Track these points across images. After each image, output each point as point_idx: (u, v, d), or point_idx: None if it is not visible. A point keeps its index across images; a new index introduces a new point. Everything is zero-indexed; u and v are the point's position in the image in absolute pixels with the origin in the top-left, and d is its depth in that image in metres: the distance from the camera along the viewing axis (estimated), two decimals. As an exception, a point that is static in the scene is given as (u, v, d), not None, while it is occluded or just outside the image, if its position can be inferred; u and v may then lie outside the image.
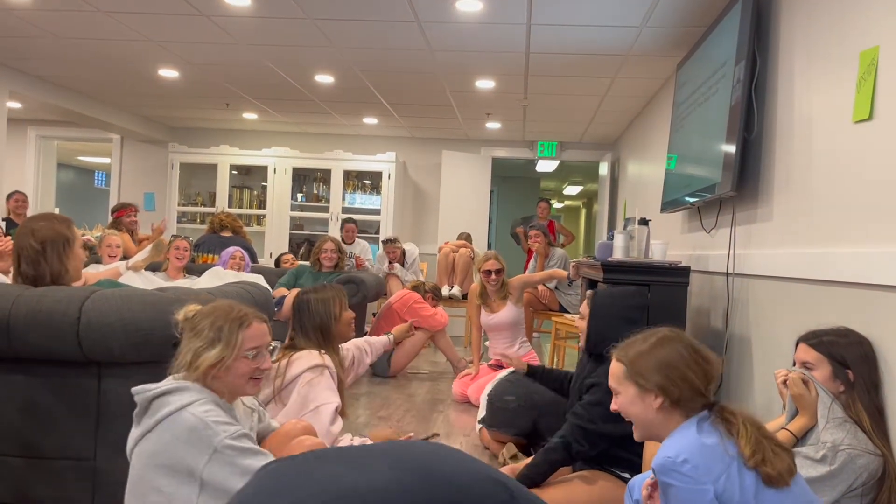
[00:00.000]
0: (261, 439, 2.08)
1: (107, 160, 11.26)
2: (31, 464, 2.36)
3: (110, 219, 6.38)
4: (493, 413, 3.46)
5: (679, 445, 1.58)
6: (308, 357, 2.57)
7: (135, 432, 1.80)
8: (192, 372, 1.83)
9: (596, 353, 2.71)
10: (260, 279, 4.30)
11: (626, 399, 1.72)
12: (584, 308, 2.86)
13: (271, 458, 1.79)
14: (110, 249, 4.70)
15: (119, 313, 2.21)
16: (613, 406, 1.76)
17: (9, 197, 6.53)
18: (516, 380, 3.44)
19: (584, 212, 16.89)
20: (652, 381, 1.66)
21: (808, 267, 2.54)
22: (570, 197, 16.04)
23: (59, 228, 2.45)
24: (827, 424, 1.92)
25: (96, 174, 14.69)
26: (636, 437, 1.75)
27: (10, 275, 2.64)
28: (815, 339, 2.08)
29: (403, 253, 7.25)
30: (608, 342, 2.61)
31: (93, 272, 3.51)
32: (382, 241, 7.24)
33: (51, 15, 4.60)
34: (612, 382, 1.75)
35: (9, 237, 3.12)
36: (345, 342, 2.84)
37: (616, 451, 2.53)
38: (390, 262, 7.15)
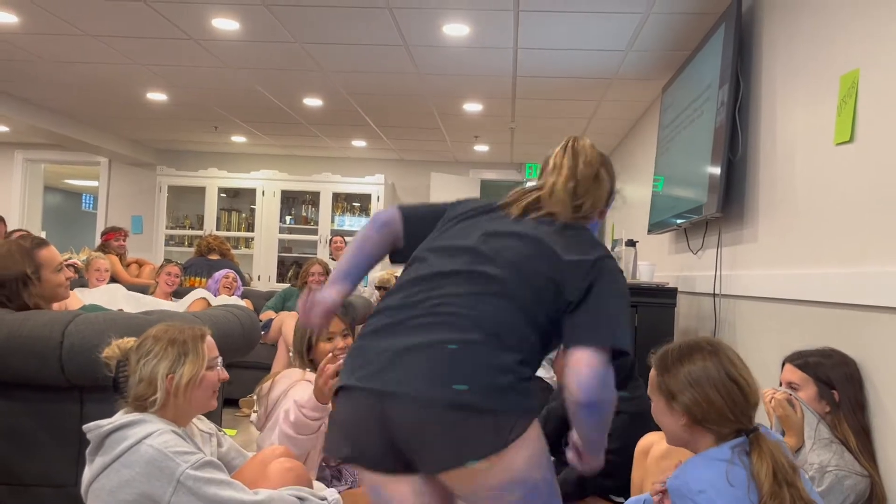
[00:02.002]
0: (230, 465, 2.03)
1: (94, 183, 11.23)
2: (11, 490, 2.32)
3: (98, 242, 6.35)
4: None
5: (702, 475, 1.51)
6: (293, 374, 2.55)
7: (89, 471, 1.73)
8: (152, 401, 1.77)
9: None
10: (235, 300, 4.28)
11: (657, 409, 1.65)
12: None
13: (239, 485, 1.75)
14: (98, 273, 4.66)
15: (103, 337, 2.19)
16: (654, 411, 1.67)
17: None
18: None
19: (572, 233, 16.97)
20: (678, 397, 1.58)
21: (792, 287, 2.55)
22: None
23: (16, 265, 2.40)
24: (814, 445, 1.92)
25: (84, 197, 14.64)
26: (667, 442, 1.69)
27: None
28: (800, 360, 2.09)
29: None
30: (623, 367, 2.61)
31: (78, 297, 3.48)
32: (377, 287, 7.16)
33: (38, 38, 4.60)
34: (648, 389, 1.67)
35: None
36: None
37: (602, 481, 2.51)
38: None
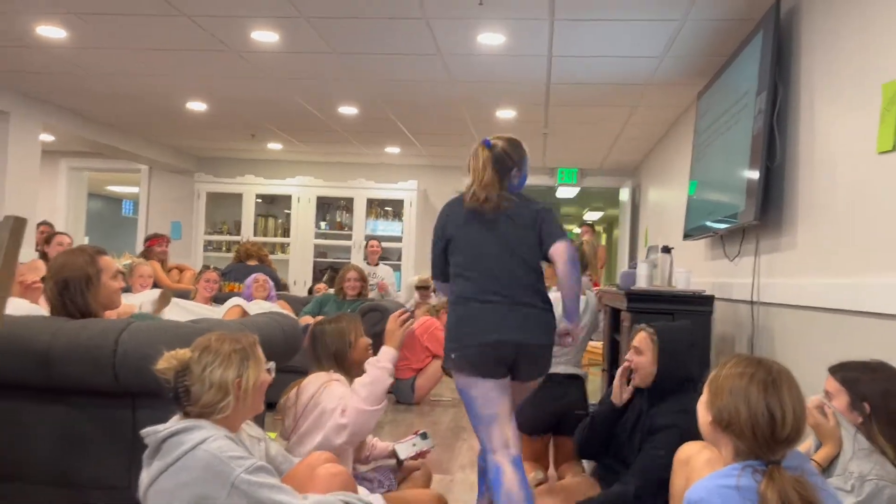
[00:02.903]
0: (278, 470, 2.08)
1: (134, 189, 11.48)
2: (66, 493, 2.41)
3: (141, 248, 6.50)
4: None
5: (707, 488, 1.57)
6: (317, 379, 2.60)
7: (146, 474, 1.79)
8: (224, 406, 1.83)
9: (661, 391, 2.63)
10: (273, 306, 4.35)
11: (701, 399, 1.72)
12: (643, 342, 2.69)
13: (289, 489, 1.80)
14: (142, 279, 4.77)
15: (154, 345, 2.26)
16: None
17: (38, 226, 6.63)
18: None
19: (604, 237, 16.86)
20: (715, 397, 1.65)
21: (835, 297, 2.54)
22: (591, 221, 16.01)
23: (79, 265, 2.49)
24: (854, 454, 1.92)
25: (124, 203, 14.95)
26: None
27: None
28: (838, 370, 2.08)
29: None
30: (676, 378, 2.61)
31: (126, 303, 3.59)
32: (416, 287, 7.25)
33: (84, 52, 4.75)
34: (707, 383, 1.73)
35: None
36: (360, 369, 2.85)
37: (654, 500, 2.50)
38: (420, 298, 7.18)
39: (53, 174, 9.14)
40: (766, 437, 1.59)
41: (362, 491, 2.08)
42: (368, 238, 7.95)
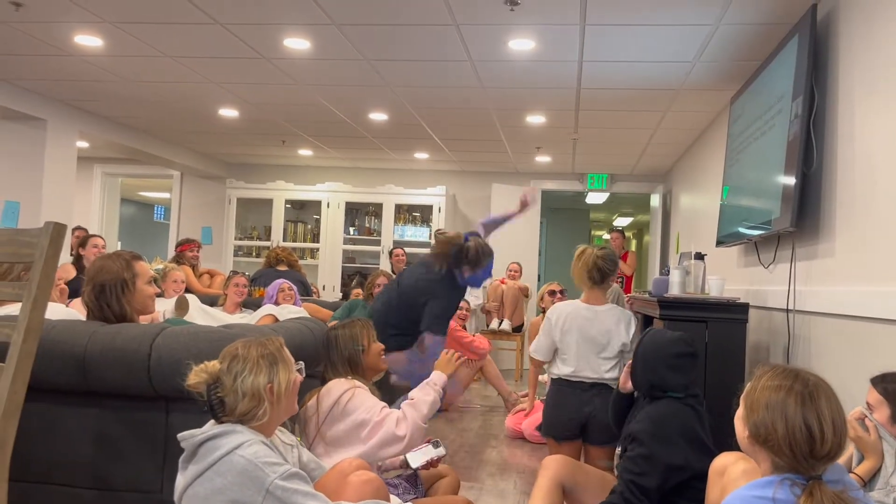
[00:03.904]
0: (310, 476, 2.08)
1: (166, 195, 11.64)
2: (101, 495, 2.43)
3: (173, 252, 6.57)
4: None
5: (742, 497, 1.54)
6: (337, 385, 2.59)
7: (182, 478, 1.80)
8: (262, 412, 1.84)
9: (652, 397, 2.63)
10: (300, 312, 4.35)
11: (737, 412, 1.68)
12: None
13: (323, 497, 1.80)
14: (175, 284, 4.83)
15: (187, 350, 2.29)
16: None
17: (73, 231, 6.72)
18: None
19: (634, 242, 16.71)
20: (751, 412, 1.61)
21: (875, 305, 2.48)
22: (621, 227, 15.89)
23: (115, 270, 2.52)
24: (897, 469, 1.88)
25: (156, 208, 15.18)
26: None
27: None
28: (880, 381, 2.04)
29: None
30: (652, 387, 2.61)
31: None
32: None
33: (119, 60, 4.83)
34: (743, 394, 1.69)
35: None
36: (377, 375, 2.85)
37: (676, 499, 2.47)
38: None
39: (88, 180, 9.30)
40: (804, 454, 1.53)
41: (394, 500, 2.07)
42: (396, 245, 7.98)
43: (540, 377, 5.15)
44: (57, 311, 2.73)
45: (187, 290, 5.16)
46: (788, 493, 1.52)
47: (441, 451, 2.71)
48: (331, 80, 5.08)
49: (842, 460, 2.12)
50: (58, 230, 1.61)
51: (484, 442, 4.59)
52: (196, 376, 1.86)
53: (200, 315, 4.15)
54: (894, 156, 2.44)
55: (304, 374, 2.01)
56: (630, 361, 2.80)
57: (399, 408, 2.63)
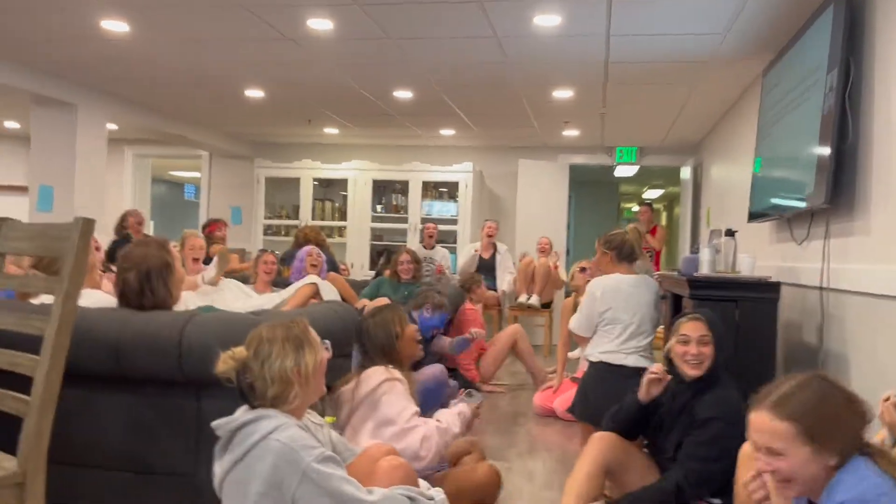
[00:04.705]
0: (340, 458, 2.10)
1: (196, 174, 11.76)
2: (139, 478, 2.49)
3: (201, 233, 6.62)
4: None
5: (872, 482, 1.54)
6: (376, 374, 2.61)
7: (220, 466, 1.83)
8: (293, 395, 1.86)
9: (707, 381, 2.59)
10: (326, 285, 4.33)
11: (797, 461, 1.57)
12: (696, 329, 2.62)
13: (355, 482, 1.82)
14: (193, 252, 4.81)
15: (217, 336, 2.31)
16: (767, 467, 1.61)
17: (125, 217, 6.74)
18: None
19: (664, 215, 16.52)
20: (832, 441, 1.56)
21: (910, 285, 2.42)
22: (650, 200, 15.71)
23: (160, 255, 2.56)
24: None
25: (186, 187, 15.34)
26: (792, 494, 1.62)
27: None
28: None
29: (496, 247, 7.31)
30: (724, 366, 2.60)
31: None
32: (486, 220, 7.40)
33: (147, 44, 4.85)
34: (775, 443, 1.58)
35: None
36: (412, 359, 2.85)
37: (698, 490, 2.47)
38: (479, 251, 7.21)
39: (119, 161, 9.42)
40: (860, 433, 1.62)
41: (423, 484, 2.09)
42: (424, 221, 7.99)
43: (569, 353, 5.16)
44: (94, 297, 2.78)
45: (208, 260, 5.15)
46: (873, 466, 1.56)
47: (479, 397, 2.75)
48: (355, 59, 5.05)
49: (876, 441, 2.10)
50: (87, 225, 1.63)
51: (512, 420, 4.60)
52: (224, 363, 1.89)
53: (233, 292, 4.16)
54: (934, 131, 2.36)
55: (330, 352, 2.02)
56: (651, 372, 2.70)
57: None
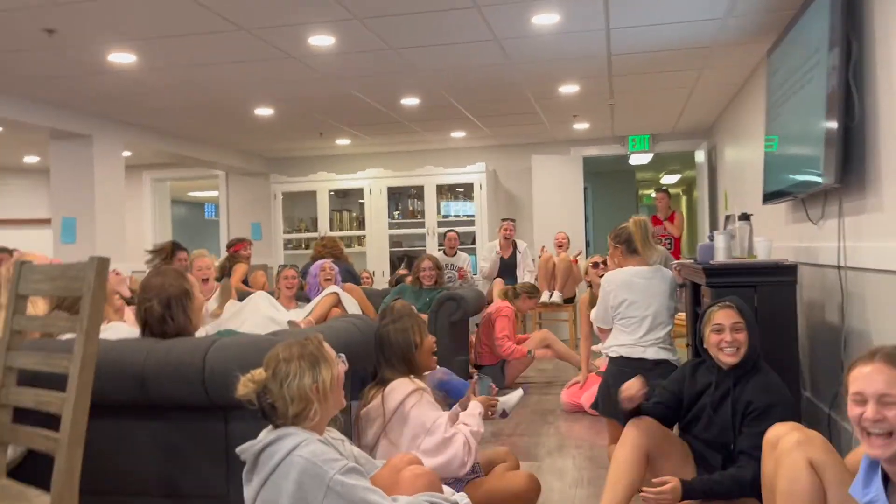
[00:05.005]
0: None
1: (214, 193, 11.90)
2: (173, 502, 2.55)
3: (225, 253, 6.68)
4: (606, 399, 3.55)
5: None
6: (402, 385, 2.63)
7: (249, 490, 1.88)
8: (313, 413, 1.90)
9: (745, 368, 2.61)
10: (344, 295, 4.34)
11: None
12: (729, 317, 2.64)
13: (380, 492, 1.85)
14: (201, 272, 4.82)
15: (238, 361, 2.35)
16: (876, 415, 1.63)
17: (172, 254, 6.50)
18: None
19: (684, 199, 16.40)
20: None
21: (925, 261, 2.41)
22: (668, 185, 15.60)
23: (179, 284, 2.61)
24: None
25: (206, 207, 15.53)
26: (890, 452, 1.64)
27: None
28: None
29: (515, 247, 7.31)
30: (758, 352, 2.62)
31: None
32: (502, 220, 7.38)
33: (154, 72, 4.94)
34: (893, 389, 1.63)
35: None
36: (428, 370, 2.87)
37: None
38: (500, 252, 7.21)
39: (138, 187, 9.58)
40: None
41: (447, 490, 2.12)
42: (442, 224, 8.02)
43: (593, 347, 5.16)
44: (119, 330, 2.84)
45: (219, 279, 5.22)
46: None
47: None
48: (359, 72, 5.10)
49: None
50: (102, 264, 1.68)
51: (541, 418, 4.62)
52: (244, 386, 1.93)
53: (268, 306, 4.19)
54: (938, 104, 2.34)
55: (346, 365, 2.06)
56: (623, 395, 2.67)
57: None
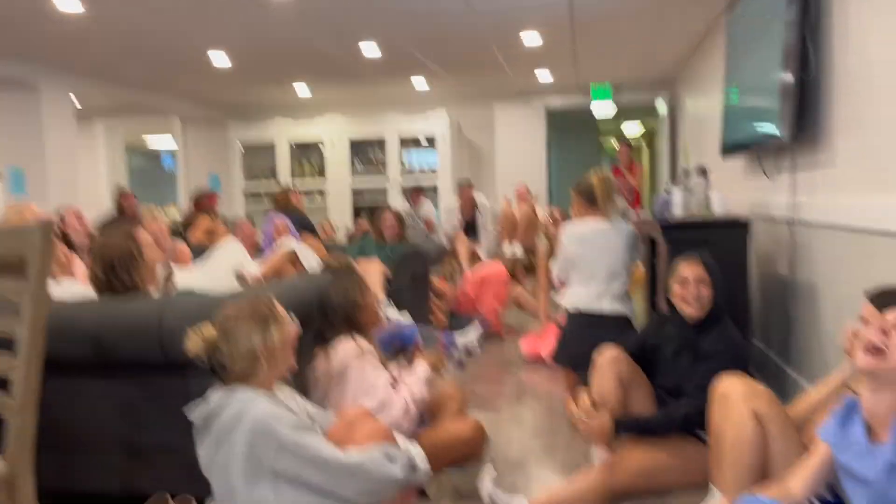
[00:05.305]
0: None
1: (173, 144, 11.63)
2: (132, 458, 2.56)
3: (184, 201, 6.50)
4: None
5: None
6: (345, 347, 2.63)
7: (203, 451, 1.90)
8: (260, 371, 1.90)
9: (708, 320, 2.69)
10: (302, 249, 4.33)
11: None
12: (693, 271, 2.70)
13: (331, 446, 1.87)
14: (156, 237, 4.75)
15: (193, 319, 2.33)
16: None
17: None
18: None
19: (647, 151, 16.50)
20: None
21: (874, 216, 2.47)
22: (631, 137, 15.66)
23: (123, 244, 2.55)
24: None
25: (164, 156, 15.17)
26: (869, 386, 1.71)
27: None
28: (876, 296, 2.04)
29: (475, 206, 7.30)
30: (721, 305, 2.70)
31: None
32: (457, 184, 7.36)
33: (100, 16, 4.75)
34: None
35: None
36: (375, 327, 2.86)
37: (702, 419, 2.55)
38: (462, 216, 7.22)
39: (90, 135, 9.31)
40: None
41: (400, 439, 2.13)
42: (404, 174, 7.97)
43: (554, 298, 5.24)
44: (72, 288, 2.79)
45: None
46: None
47: (476, 325, 2.82)
48: (317, 14, 4.96)
49: (837, 375, 2.18)
50: (47, 227, 1.64)
51: (502, 368, 4.69)
52: (193, 343, 1.93)
53: (237, 256, 4.14)
54: (892, 57, 2.38)
55: (298, 326, 2.06)
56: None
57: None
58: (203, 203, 6.30)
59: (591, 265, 3.67)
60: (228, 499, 1.86)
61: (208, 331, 1.91)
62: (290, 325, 2.00)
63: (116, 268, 2.54)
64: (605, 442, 2.58)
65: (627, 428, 2.56)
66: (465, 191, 7.27)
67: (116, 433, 2.55)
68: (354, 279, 2.78)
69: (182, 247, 4.50)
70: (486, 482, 2.56)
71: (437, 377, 2.82)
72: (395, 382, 2.70)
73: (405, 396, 2.59)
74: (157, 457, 2.54)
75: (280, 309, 1.99)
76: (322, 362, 2.62)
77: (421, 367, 2.73)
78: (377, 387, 2.56)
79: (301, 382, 2.78)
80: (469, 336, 2.84)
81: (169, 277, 3.64)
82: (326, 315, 2.71)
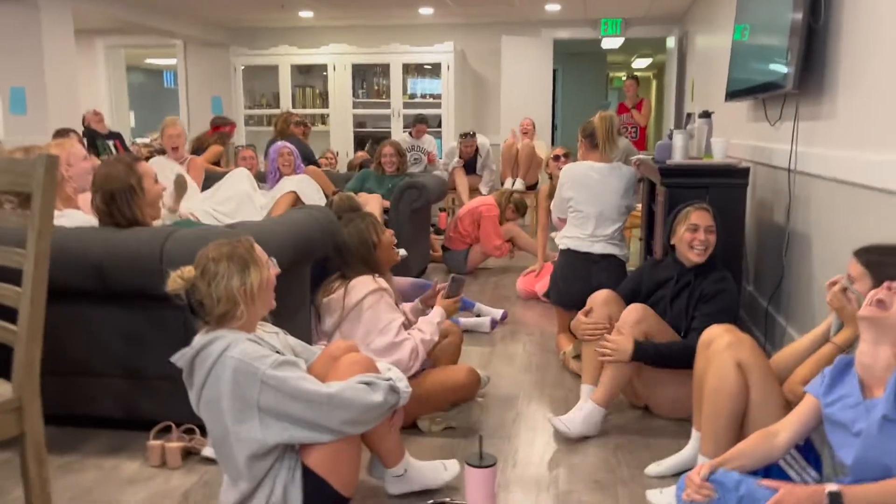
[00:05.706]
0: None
1: (173, 61, 11.45)
2: (133, 383, 2.66)
3: (206, 133, 6.36)
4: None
5: None
6: (363, 284, 2.69)
7: (191, 393, 1.97)
8: (239, 313, 1.93)
9: (706, 265, 2.84)
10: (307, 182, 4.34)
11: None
12: (705, 219, 2.84)
13: (313, 379, 1.93)
14: (171, 140, 4.72)
15: (195, 252, 2.39)
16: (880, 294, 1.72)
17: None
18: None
19: (654, 83, 16.25)
20: None
21: (870, 172, 2.48)
22: (639, 70, 15.40)
23: (124, 177, 2.58)
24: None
25: (165, 74, 14.95)
26: (869, 338, 1.73)
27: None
28: (864, 253, 2.08)
29: (477, 150, 7.27)
30: (718, 254, 2.85)
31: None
32: (460, 135, 7.28)
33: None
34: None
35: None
36: (392, 264, 2.93)
37: None
38: (461, 158, 7.21)
39: (90, 54, 9.17)
40: None
41: (382, 367, 2.18)
42: (408, 105, 7.88)
43: (551, 235, 5.27)
44: (75, 217, 2.83)
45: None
46: None
47: (463, 278, 2.92)
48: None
49: (822, 327, 2.23)
50: (51, 161, 1.66)
51: (496, 304, 4.77)
52: (173, 283, 1.95)
53: (247, 188, 4.17)
54: (899, 15, 2.34)
55: (278, 269, 2.10)
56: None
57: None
58: (221, 130, 6.22)
59: (585, 207, 3.70)
60: (222, 437, 1.94)
61: (188, 271, 1.94)
62: (269, 269, 2.03)
63: (117, 199, 2.58)
64: (623, 360, 2.70)
65: (646, 352, 2.69)
66: (468, 143, 7.21)
67: (118, 358, 2.64)
68: (368, 220, 2.83)
69: (198, 161, 4.47)
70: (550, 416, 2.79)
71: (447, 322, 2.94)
72: (407, 324, 2.79)
73: (416, 339, 2.67)
74: (159, 384, 2.64)
75: (259, 252, 2.01)
76: (339, 295, 2.68)
77: (437, 312, 2.81)
78: (391, 328, 2.63)
79: (301, 314, 2.86)
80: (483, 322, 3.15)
81: (181, 183, 3.66)
82: (344, 259, 2.77)
